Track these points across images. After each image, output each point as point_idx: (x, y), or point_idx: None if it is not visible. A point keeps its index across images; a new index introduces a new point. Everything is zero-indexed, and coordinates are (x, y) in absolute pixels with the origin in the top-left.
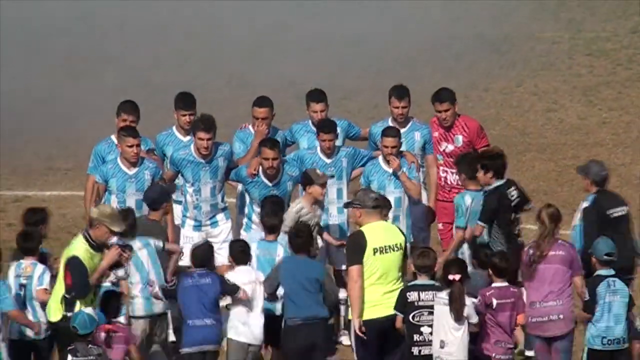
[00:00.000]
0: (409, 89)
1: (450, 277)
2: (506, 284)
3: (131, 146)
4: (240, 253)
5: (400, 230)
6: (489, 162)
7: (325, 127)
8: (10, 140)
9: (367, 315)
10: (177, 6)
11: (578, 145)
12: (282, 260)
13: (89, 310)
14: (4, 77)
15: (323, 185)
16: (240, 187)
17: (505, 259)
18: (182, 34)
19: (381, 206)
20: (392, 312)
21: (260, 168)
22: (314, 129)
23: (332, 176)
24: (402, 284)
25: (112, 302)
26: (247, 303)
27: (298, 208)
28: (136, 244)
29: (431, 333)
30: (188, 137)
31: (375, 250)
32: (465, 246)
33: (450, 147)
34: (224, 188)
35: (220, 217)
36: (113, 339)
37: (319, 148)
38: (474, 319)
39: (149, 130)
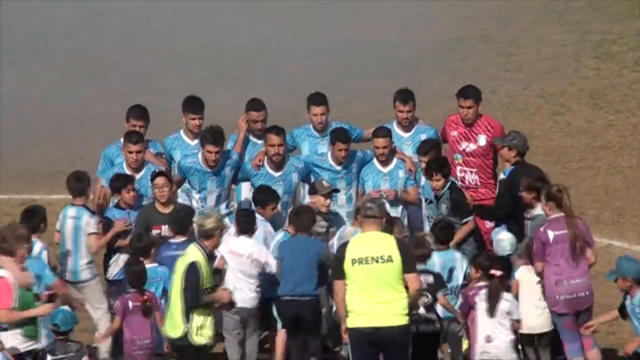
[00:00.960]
0: (415, 91)
1: (492, 271)
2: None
3: (131, 152)
4: (243, 223)
5: (400, 242)
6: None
7: (343, 136)
8: (15, 143)
9: (351, 324)
10: (182, 11)
11: (585, 149)
12: (283, 240)
13: (67, 307)
14: (9, 80)
15: (326, 196)
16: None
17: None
18: (187, 38)
19: (377, 216)
20: (377, 324)
21: (265, 159)
22: (315, 133)
23: (337, 190)
24: (399, 296)
25: (139, 273)
26: (237, 272)
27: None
28: None
29: (426, 312)
30: (196, 141)
31: (354, 261)
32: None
33: (472, 147)
34: (230, 194)
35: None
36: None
37: (329, 155)
38: (515, 316)
39: (155, 134)
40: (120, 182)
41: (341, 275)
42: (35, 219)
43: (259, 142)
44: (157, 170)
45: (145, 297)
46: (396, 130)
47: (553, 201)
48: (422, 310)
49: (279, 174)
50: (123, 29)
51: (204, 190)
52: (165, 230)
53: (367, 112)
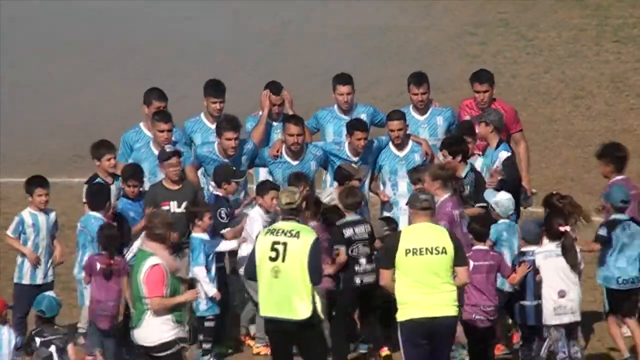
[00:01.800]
0: (435, 76)
1: (562, 228)
2: (486, 247)
3: (162, 131)
4: None
5: (451, 234)
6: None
7: (361, 125)
8: (37, 128)
9: (404, 316)
10: None
11: (606, 132)
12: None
13: (52, 293)
14: (30, 65)
15: (360, 179)
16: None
17: (484, 223)
18: (208, 24)
19: (431, 207)
20: (432, 314)
21: (283, 148)
22: (341, 114)
23: (360, 167)
24: (450, 286)
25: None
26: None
27: (329, 199)
28: None
29: (366, 263)
30: (216, 124)
31: (407, 251)
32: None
33: None
34: (246, 181)
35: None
36: (113, 273)
37: (346, 145)
38: (582, 265)
39: (175, 118)
40: (127, 173)
41: (391, 264)
42: (102, 196)
43: (275, 123)
44: (172, 150)
45: (113, 261)
46: (412, 113)
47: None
48: (362, 260)
49: (297, 162)
50: (145, 14)
51: None
52: (173, 206)
53: (387, 96)
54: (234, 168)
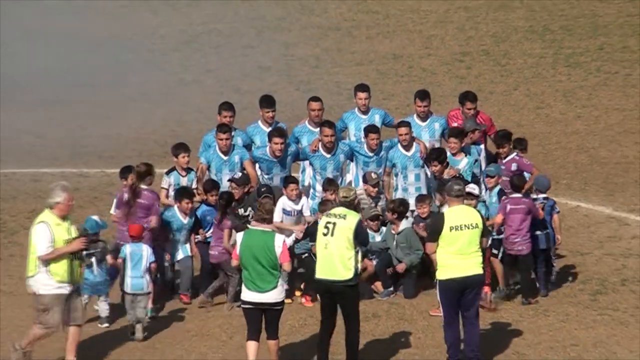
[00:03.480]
0: (433, 92)
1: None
2: (519, 195)
3: (222, 139)
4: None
5: (479, 213)
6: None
7: (373, 129)
8: (137, 130)
9: (443, 276)
10: (260, 31)
11: (560, 134)
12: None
13: (95, 216)
14: (131, 82)
15: (374, 185)
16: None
17: (520, 179)
18: (263, 51)
19: (463, 195)
20: (467, 273)
21: (320, 144)
22: (360, 115)
23: (379, 176)
24: (479, 252)
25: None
26: None
27: (358, 192)
28: None
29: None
30: (270, 128)
31: (451, 228)
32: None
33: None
34: (290, 174)
35: None
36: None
37: (365, 145)
38: None
39: (239, 124)
40: (208, 186)
41: (436, 238)
42: (151, 174)
43: (315, 129)
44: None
45: None
46: (416, 120)
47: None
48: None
49: (330, 155)
50: (218, 44)
51: (271, 173)
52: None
53: (397, 106)
54: (235, 177)
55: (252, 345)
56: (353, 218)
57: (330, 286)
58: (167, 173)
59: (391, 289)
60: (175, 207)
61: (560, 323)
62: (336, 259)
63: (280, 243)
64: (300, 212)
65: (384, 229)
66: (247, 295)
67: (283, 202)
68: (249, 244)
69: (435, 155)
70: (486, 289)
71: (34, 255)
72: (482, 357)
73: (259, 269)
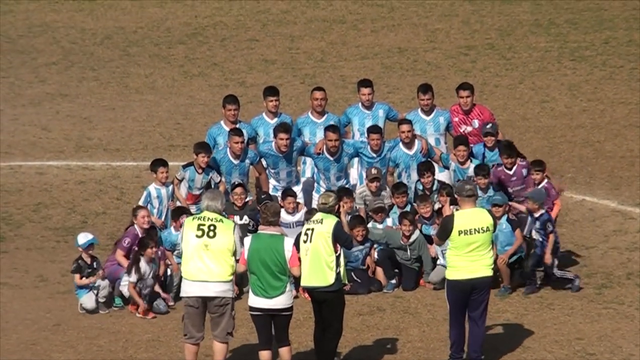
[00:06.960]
0: (437, 86)
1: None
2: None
3: (236, 143)
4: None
5: (491, 213)
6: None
7: (375, 129)
8: (141, 122)
9: (452, 276)
10: (265, 24)
11: (565, 127)
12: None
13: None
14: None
15: (372, 180)
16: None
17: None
18: (268, 45)
19: (475, 195)
20: (475, 275)
21: (324, 147)
22: (364, 110)
23: (379, 171)
24: (489, 254)
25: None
26: None
27: (362, 191)
28: None
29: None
30: (275, 119)
31: (460, 232)
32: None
33: (468, 129)
34: (296, 167)
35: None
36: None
37: (368, 146)
38: None
39: (244, 117)
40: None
41: (444, 239)
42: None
43: (318, 120)
44: (237, 183)
45: None
46: (420, 115)
47: None
48: None
49: (334, 157)
50: (223, 37)
51: (277, 168)
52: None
53: (402, 100)
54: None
55: (266, 355)
56: (331, 221)
57: (313, 292)
58: (184, 167)
59: (394, 281)
60: (172, 228)
61: (565, 317)
62: (317, 265)
63: (290, 247)
64: (297, 223)
65: (388, 220)
66: (255, 301)
67: (281, 215)
68: (257, 248)
69: (424, 168)
70: None
71: (231, 260)
72: (487, 350)
73: (266, 274)
